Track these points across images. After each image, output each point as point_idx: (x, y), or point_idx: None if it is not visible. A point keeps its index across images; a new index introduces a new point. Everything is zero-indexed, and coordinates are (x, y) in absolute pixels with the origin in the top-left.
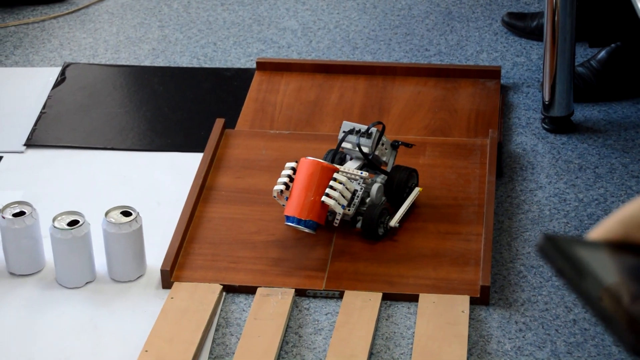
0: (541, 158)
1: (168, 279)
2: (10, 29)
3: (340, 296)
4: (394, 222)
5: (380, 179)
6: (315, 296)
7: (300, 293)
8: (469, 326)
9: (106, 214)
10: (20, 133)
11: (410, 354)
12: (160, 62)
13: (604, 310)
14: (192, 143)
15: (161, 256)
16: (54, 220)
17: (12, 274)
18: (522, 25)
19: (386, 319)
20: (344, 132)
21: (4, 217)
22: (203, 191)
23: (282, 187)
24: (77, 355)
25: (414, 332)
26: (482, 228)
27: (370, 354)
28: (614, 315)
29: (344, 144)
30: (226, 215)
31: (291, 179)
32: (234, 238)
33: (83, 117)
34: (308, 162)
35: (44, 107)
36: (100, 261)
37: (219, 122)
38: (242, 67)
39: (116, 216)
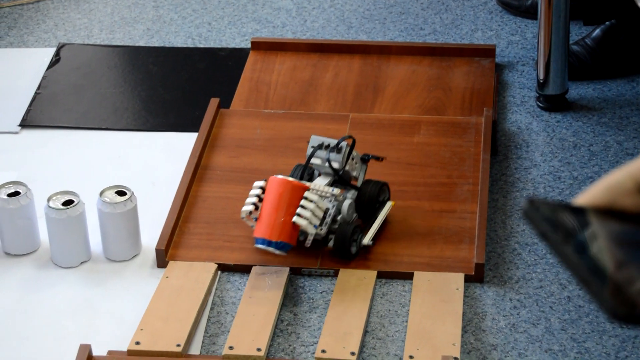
0: (536, 136)
1: (163, 258)
2: (5, 10)
3: (335, 275)
4: (366, 240)
5: (350, 194)
6: (310, 275)
7: (295, 272)
8: (464, 303)
9: (101, 193)
10: (14, 113)
11: (405, 332)
12: (155, 42)
13: (587, 275)
14: (187, 123)
15: (156, 235)
16: (48, 200)
17: (7, 254)
18: (516, 4)
19: (381, 297)
20: (312, 147)
21: None
22: (198, 171)
23: (251, 207)
24: (72, 334)
25: (408, 310)
26: (477, 206)
27: (365, 331)
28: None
29: (312, 160)
30: (221, 195)
31: (260, 199)
32: (229, 217)
33: (78, 98)
34: (277, 181)
35: (38, 88)
36: (95, 241)
37: (214, 102)
38: (237, 46)
39: (111, 196)
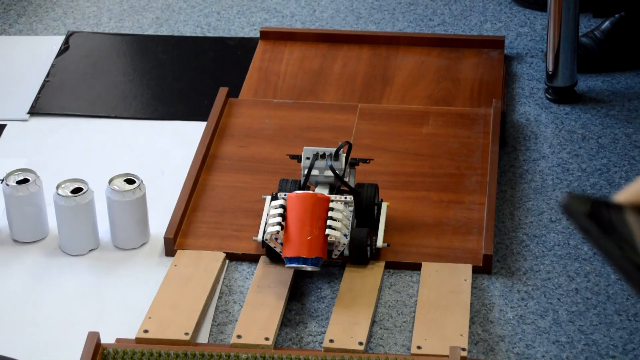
0: (544, 128)
1: (171, 246)
2: None
3: (343, 265)
4: (380, 242)
5: (349, 200)
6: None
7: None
8: (472, 295)
9: (110, 181)
10: (24, 101)
11: (413, 322)
12: (164, 31)
13: (628, 268)
14: (196, 112)
15: (165, 224)
16: (57, 187)
17: (15, 241)
18: None
19: (389, 288)
20: (307, 158)
21: (7, 185)
22: (207, 160)
23: (278, 227)
24: (81, 322)
25: (416, 301)
26: (485, 197)
27: (373, 322)
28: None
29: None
30: (230, 184)
31: (283, 218)
32: (238, 206)
33: (87, 86)
34: (301, 196)
35: (47, 76)
36: (103, 229)
37: (223, 91)
38: (246, 36)
39: (120, 184)
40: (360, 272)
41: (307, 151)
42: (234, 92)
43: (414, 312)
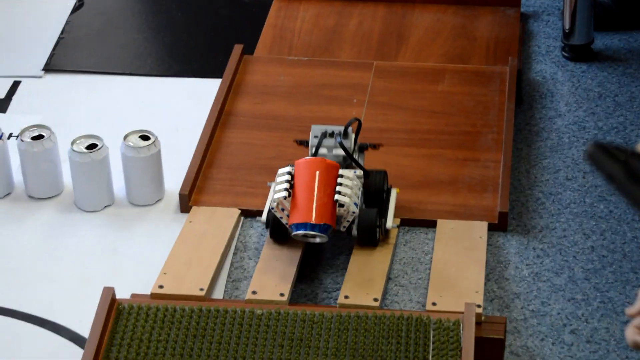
0: (561, 86)
1: (186, 203)
2: None
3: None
4: (389, 224)
5: (359, 173)
6: None
7: None
8: (487, 252)
9: (124, 137)
10: (38, 58)
11: (428, 279)
12: None
13: None
14: (211, 69)
15: (180, 181)
16: (72, 143)
17: (31, 197)
18: None
19: (404, 245)
20: (315, 136)
21: (22, 141)
22: (221, 117)
23: (285, 193)
24: (96, 277)
25: (431, 258)
26: (501, 155)
27: (388, 278)
28: None
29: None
30: (244, 141)
31: (291, 185)
32: (253, 163)
33: (101, 43)
34: (309, 161)
35: (62, 33)
36: (118, 185)
37: (237, 48)
38: None
39: (134, 140)
40: None
41: (315, 129)
42: (249, 49)
43: (429, 269)
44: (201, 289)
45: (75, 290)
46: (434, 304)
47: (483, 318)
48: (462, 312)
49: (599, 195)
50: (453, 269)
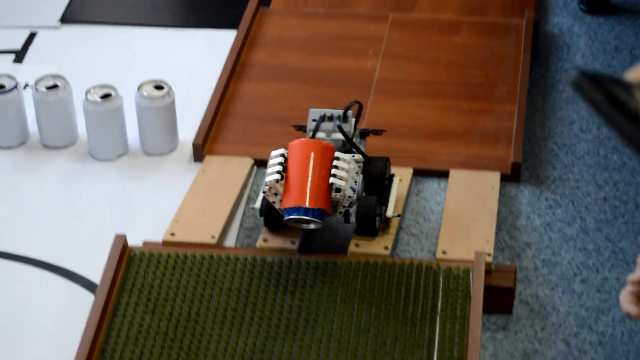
0: (577, 39)
1: (200, 152)
2: None
3: None
4: (390, 212)
5: (358, 158)
6: None
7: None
8: (499, 202)
9: (139, 87)
10: (55, 9)
11: (439, 229)
12: None
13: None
14: (227, 21)
15: (193, 131)
16: (87, 93)
17: (45, 146)
18: None
19: (416, 195)
20: (313, 120)
21: (37, 90)
22: (237, 68)
23: (277, 176)
24: (109, 225)
25: (443, 207)
26: (515, 106)
27: (400, 227)
28: None
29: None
30: (259, 92)
31: (284, 167)
32: (266, 114)
33: None
34: (303, 143)
35: None
36: (133, 135)
37: (254, 1)
38: None
39: (149, 90)
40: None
41: (314, 113)
42: (265, 1)
43: (441, 218)
44: (212, 237)
45: (88, 238)
46: (444, 252)
47: (493, 267)
48: (472, 261)
49: (612, 146)
50: (464, 218)
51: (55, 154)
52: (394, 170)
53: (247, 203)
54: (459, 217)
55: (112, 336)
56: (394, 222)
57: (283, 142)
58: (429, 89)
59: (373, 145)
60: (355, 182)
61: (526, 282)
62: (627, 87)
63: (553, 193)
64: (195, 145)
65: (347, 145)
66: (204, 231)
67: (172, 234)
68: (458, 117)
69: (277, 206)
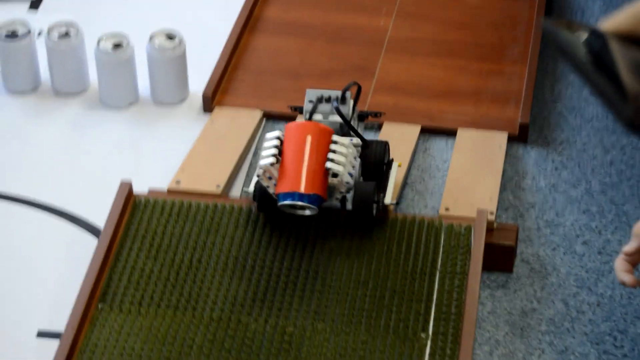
0: (592, 3)
1: (210, 103)
2: None
3: (379, 128)
4: (388, 199)
5: (356, 142)
6: None
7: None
8: (505, 162)
9: (150, 37)
10: None
11: (444, 186)
12: None
13: (605, 87)
14: None
15: (204, 82)
16: (98, 42)
17: (57, 93)
18: None
19: (423, 152)
20: (310, 101)
21: (50, 38)
22: (249, 21)
23: (272, 159)
24: (116, 172)
25: (449, 165)
26: (526, 68)
27: (405, 184)
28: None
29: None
30: (271, 46)
31: (279, 151)
32: (277, 68)
33: None
34: (300, 125)
35: None
36: (143, 84)
37: None
38: None
39: (160, 40)
40: (396, 135)
41: (310, 94)
42: None
43: (446, 176)
44: (218, 186)
45: (95, 184)
46: (447, 209)
47: (495, 225)
48: (475, 218)
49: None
50: (469, 176)
51: (66, 100)
52: (401, 127)
53: (254, 154)
54: (464, 175)
55: (113, 280)
56: (399, 175)
57: (293, 97)
58: (440, 48)
59: (382, 103)
60: (354, 167)
61: (528, 241)
62: (601, 35)
63: (559, 155)
64: (204, 96)
65: (345, 128)
66: (210, 180)
67: (178, 182)
68: (468, 77)
69: (271, 190)
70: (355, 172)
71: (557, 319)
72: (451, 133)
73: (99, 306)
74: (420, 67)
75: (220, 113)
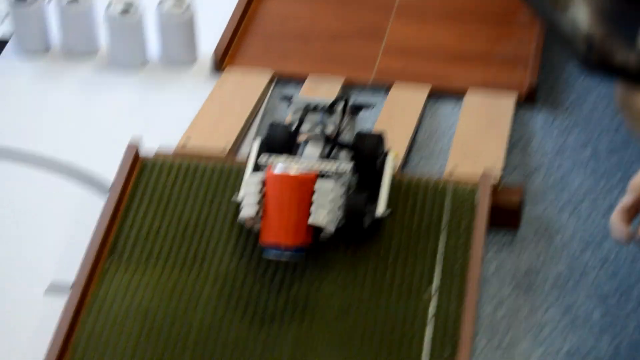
0: None
1: (219, 64)
2: None
3: (388, 89)
4: (380, 211)
5: (345, 154)
6: (363, 88)
7: (348, 84)
8: (512, 125)
9: (160, 1)
10: None
11: (450, 148)
12: None
13: (563, 25)
14: None
15: (214, 44)
16: (108, 6)
17: (66, 55)
18: None
19: (430, 115)
20: (298, 109)
21: (59, 2)
22: None
23: (255, 208)
24: (125, 134)
25: (456, 127)
26: (535, 31)
27: (411, 147)
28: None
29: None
30: (281, 10)
31: (261, 198)
32: (288, 31)
33: None
34: (279, 180)
35: None
36: (153, 46)
37: None
38: None
39: (169, 4)
40: (404, 97)
41: (298, 102)
42: None
43: (453, 138)
44: (225, 148)
45: (103, 145)
46: (452, 170)
47: (501, 186)
48: (479, 180)
49: None
50: (476, 138)
51: (76, 63)
52: (409, 89)
53: (263, 116)
54: (471, 137)
55: (121, 237)
56: (403, 141)
57: (303, 59)
58: (450, 12)
59: (390, 67)
60: (340, 206)
61: (534, 202)
62: None
63: (567, 118)
64: (214, 58)
65: (331, 142)
66: (217, 142)
67: (185, 144)
68: (477, 41)
69: (256, 229)
70: (340, 214)
71: (561, 278)
72: (459, 96)
73: (108, 261)
74: (429, 31)
75: (230, 74)
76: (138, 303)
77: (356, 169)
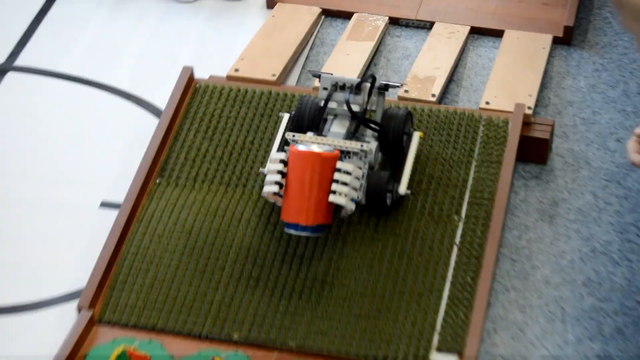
0: None
1: (271, 0)
2: None
3: (430, 27)
4: (403, 189)
5: (370, 134)
6: (407, 25)
7: (393, 22)
8: (548, 63)
9: None
10: None
11: (486, 83)
12: None
13: None
14: None
15: None
16: None
17: None
18: None
19: (471, 50)
20: (324, 88)
21: None
22: None
23: (275, 187)
24: (180, 59)
25: (494, 63)
26: None
27: (451, 79)
28: None
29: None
30: None
31: (283, 175)
32: None
33: None
34: (302, 156)
35: None
36: None
37: None
38: None
39: None
40: (445, 34)
41: (325, 80)
42: None
43: (490, 73)
44: (274, 75)
45: (160, 70)
46: (487, 103)
47: (532, 119)
48: (512, 112)
49: None
50: (512, 74)
51: None
52: (451, 27)
53: (311, 48)
54: (507, 72)
55: (171, 157)
56: (445, 71)
57: None
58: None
59: (433, 7)
60: (361, 186)
61: (564, 137)
62: None
63: (601, 57)
64: None
65: (357, 120)
66: (267, 69)
67: (237, 70)
68: None
69: (278, 204)
70: (361, 194)
71: (585, 209)
72: (498, 34)
73: (157, 180)
74: None
75: (281, 9)
76: (184, 220)
77: (381, 148)
